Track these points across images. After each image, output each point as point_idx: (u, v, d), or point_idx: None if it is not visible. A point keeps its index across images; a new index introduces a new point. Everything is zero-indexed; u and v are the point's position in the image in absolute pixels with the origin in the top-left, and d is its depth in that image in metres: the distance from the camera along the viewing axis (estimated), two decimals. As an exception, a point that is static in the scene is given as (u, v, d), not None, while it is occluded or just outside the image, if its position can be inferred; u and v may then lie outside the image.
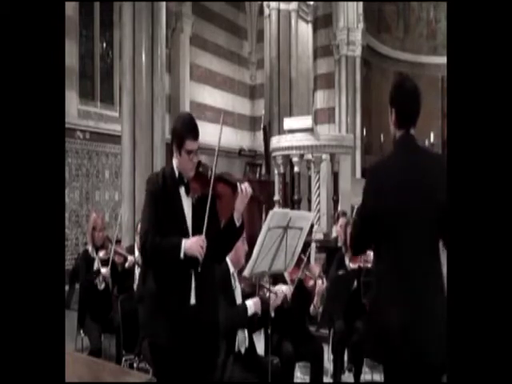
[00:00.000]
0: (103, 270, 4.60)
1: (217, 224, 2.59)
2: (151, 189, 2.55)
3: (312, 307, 3.94)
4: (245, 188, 2.52)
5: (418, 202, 2.16)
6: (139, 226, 5.14)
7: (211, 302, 2.58)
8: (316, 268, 4.33)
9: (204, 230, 2.44)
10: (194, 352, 2.49)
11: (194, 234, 2.50)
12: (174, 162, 2.60)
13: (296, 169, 7.96)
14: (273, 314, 3.50)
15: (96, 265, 4.68)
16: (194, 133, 2.52)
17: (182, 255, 2.38)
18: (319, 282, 3.95)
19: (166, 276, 2.49)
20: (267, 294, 3.48)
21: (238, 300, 3.34)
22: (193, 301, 2.48)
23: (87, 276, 4.64)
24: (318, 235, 7.56)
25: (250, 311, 3.19)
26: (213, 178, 2.49)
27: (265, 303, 3.46)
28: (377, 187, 2.24)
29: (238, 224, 2.54)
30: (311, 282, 3.96)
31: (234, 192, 2.54)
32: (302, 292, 3.93)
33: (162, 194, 2.51)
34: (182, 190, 2.54)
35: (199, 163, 2.57)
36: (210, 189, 2.47)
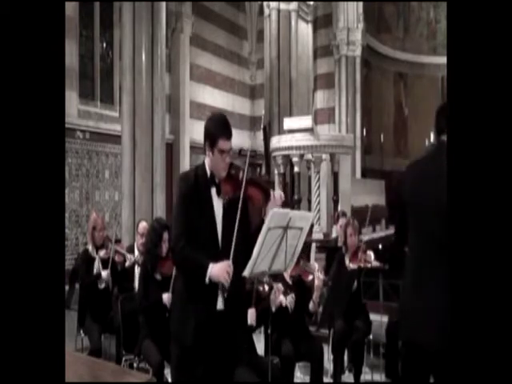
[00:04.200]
0: (103, 274, 4.58)
1: (247, 227, 2.58)
2: (183, 190, 2.53)
3: (311, 303, 3.93)
4: (278, 194, 2.54)
5: (438, 201, 2.25)
6: (140, 226, 5.20)
7: (239, 307, 2.59)
8: (315, 264, 4.32)
9: (234, 239, 2.41)
10: (217, 355, 2.50)
11: (223, 236, 2.49)
12: (206, 161, 2.57)
13: (296, 169, 7.97)
14: (273, 309, 3.49)
15: (96, 264, 4.67)
16: (227, 132, 2.52)
17: (207, 280, 2.37)
18: (317, 276, 3.94)
19: (194, 280, 2.48)
20: (266, 289, 3.48)
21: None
22: (220, 306, 2.47)
23: (87, 278, 4.64)
24: (317, 235, 7.56)
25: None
26: (244, 181, 2.47)
27: (264, 299, 3.46)
28: (406, 186, 2.45)
29: None
30: (310, 277, 3.95)
31: (266, 196, 2.54)
32: (302, 289, 3.93)
33: (193, 193, 2.50)
34: (214, 191, 2.53)
35: (231, 165, 2.55)
36: (242, 191, 2.45)
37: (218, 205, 2.54)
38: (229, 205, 2.51)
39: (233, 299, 2.51)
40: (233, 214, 2.44)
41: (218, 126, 2.53)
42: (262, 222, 2.52)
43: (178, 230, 2.51)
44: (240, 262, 2.47)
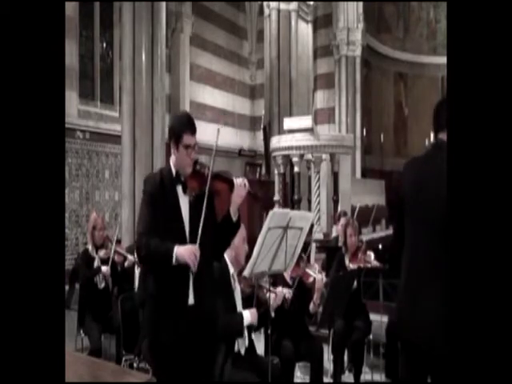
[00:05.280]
0: (103, 268, 4.60)
1: (214, 221, 2.59)
2: (148, 189, 2.55)
3: (312, 304, 3.94)
4: (241, 182, 2.53)
5: (434, 201, 2.23)
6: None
7: (209, 302, 2.58)
8: (315, 265, 4.32)
9: (200, 227, 2.42)
10: (193, 351, 2.49)
11: (191, 232, 2.50)
12: (171, 160, 2.60)
13: (296, 169, 7.96)
14: (273, 314, 3.50)
15: (96, 264, 4.68)
16: (191, 127, 2.54)
17: (173, 261, 2.38)
18: (319, 278, 3.94)
19: (164, 277, 2.48)
20: (267, 295, 3.48)
21: (238, 301, 3.34)
22: (191, 301, 2.48)
23: (87, 272, 4.64)
24: (317, 235, 7.56)
25: (246, 322, 3.19)
26: (210, 174, 2.49)
27: (264, 303, 3.46)
28: (404, 184, 2.42)
29: (234, 218, 2.53)
30: (311, 279, 3.96)
31: (232, 189, 2.54)
32: (302, 290, 3.93)
33: (159, 194, 2.51)
34: (180, 189, 2.54)
35: (196, 162, 2.57)
36: (207, 186, 2.46)
37: (184, 202, 2.54)
38: (195, 201, 2.53)
39: (203, 293, 2.51)
40: (199, 209, 2.46)
41: (182, 122, 2.56)
42: (228, 211, 2.54)
43: (141, 229, 2.52)
44: (207, 255, 2.48)
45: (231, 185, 2.55)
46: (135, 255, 5.01)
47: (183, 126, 2.54)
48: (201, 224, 2.43)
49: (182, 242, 2.47)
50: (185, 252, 2.38)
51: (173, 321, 2.46)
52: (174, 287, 2.47)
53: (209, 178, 2.48)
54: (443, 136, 2.35)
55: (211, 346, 2.63)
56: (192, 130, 2.54)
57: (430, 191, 2.24)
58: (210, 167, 2.51)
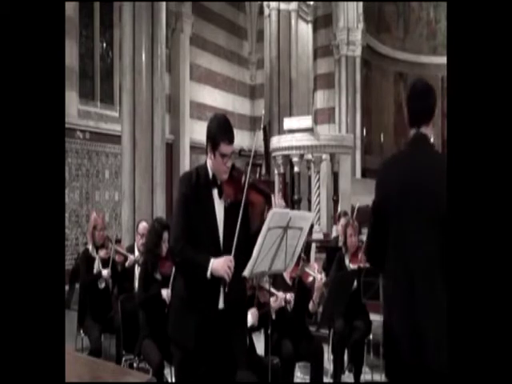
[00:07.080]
0: (104, 272, 4.59)
1: (247, 231, 2.58)
2: (183, 191, 2.53)
3: (311, 303, 3.94)
4: (279, 201, 2.56)
5: (423, 200, 2.16)
6: (140, 226, 5.20)
7: (239, 307, 2.60)
8: (314, 264, 4.32)
9: (235, 241, 2.42)
10: (219, 355, 2.51)
11: (224, 239, 2.50)
12: (208, 163, 2.58)
13: (296, 169, 7.96)
14: (274, 317, 3.51)
15: (97, 264, 4.68)
16: (229, 136, 2.51)
17: (208, 275, 2.39)
18: (318, 277, 3.94)
19: (195, 280, 2.49)
20: (267, 296, 3.48)
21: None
22: (221, 305, 2.49)
23: (88, 277, 4.64)
24: (317, 235, 7.56)
25: (248, 324, 3.19)
26: (247, 184, 2.48)
27: (264, 304, 3.46)
28: (385, 185, 2.32)
29: None
30: (310, 279, 3.96)
31: (267, 201, 2.56)
32: (302, 289, 3.93)
33: (194, 194, 2.51)
34: (215, 193, 2.54)
35: (233, 167, 2.56)
36: (244, 196, 2.46)
37: (219, 206, 2.54)
38: (230, 207, 2.52)
39: (233, 300, 2.52)
40: (234, 217, 2.45)
41: (221, 130, 2.52)
42: (262, 224, 2.52)
43: (177, 231, 2.51)
44: (241, 263, 2.48)
45: (267, 197, 2.57)
46: (135, 254, 5.03)
47: (221, 134, 2.51)
48: (236, 234, 2.43)
49: (216, 246, 2.49)
50: (220, 266, 2.39)
51: (201, 324, 2.47)
52: (205, 291, 2.48)
53: (245, 188, 2.47)
54: (425, 130, 2.28)
55: (236, 352, 2.63)
56: (230, 140, 2.51)
57: (424, 189, 2.15)
58: (247, 178, 2.51)
